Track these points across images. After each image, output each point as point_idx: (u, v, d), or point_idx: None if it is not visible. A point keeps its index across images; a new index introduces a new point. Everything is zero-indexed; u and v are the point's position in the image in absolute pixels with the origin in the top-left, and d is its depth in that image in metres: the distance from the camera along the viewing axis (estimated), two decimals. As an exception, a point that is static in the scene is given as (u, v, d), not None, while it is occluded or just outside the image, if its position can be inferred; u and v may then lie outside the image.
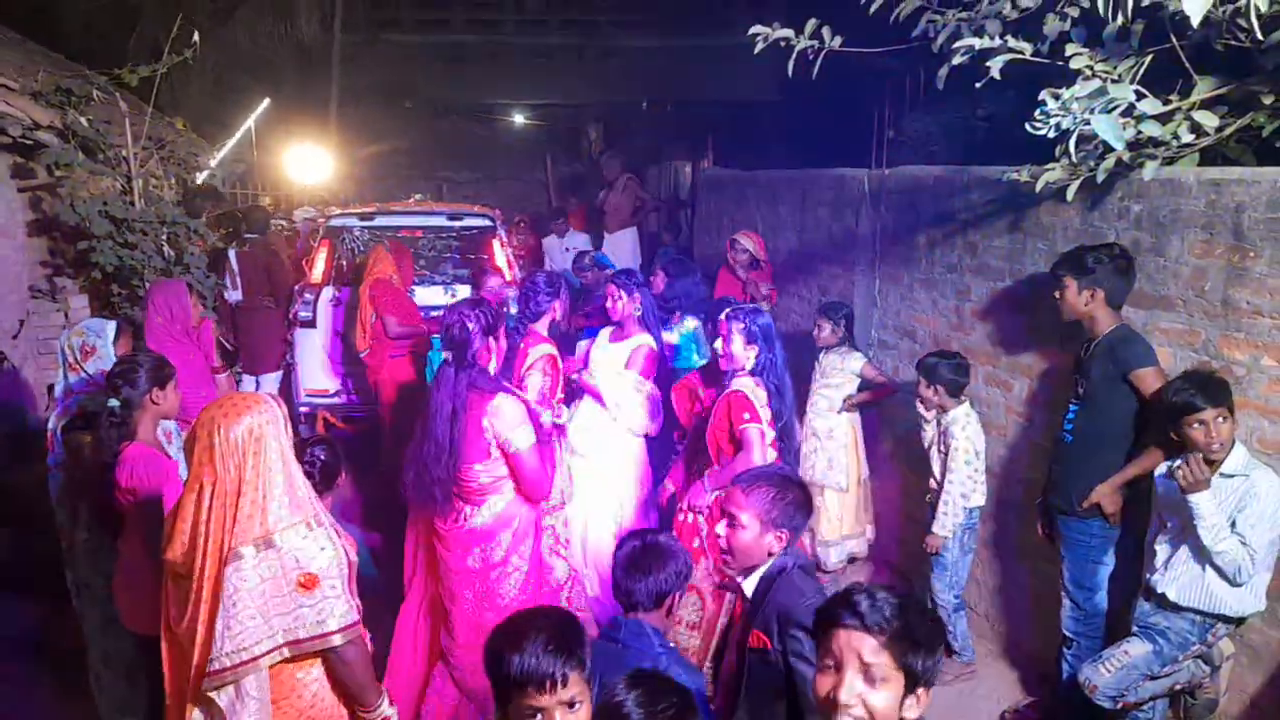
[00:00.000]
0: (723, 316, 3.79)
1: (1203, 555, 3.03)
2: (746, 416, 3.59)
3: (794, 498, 2.45)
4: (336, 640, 2.36)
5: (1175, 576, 3.13)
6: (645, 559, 2.49)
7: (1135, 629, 3.25)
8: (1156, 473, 3.27)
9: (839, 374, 4.94)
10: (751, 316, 3.70)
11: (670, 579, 2.48)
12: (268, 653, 2.29)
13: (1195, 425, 2.98)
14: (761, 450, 3.57)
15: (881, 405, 5.08)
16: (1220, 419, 2.97)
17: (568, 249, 9.04)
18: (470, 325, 3.37)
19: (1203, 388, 3.01)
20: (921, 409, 4.19)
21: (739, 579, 2.50)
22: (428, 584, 3.66)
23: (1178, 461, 3.04)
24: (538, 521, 3.64)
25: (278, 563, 2.30)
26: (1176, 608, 3.13)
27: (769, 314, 3.97)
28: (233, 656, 2.25)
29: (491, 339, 3.46)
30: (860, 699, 1.61)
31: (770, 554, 2.44)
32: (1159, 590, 3.16)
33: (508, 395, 3.37)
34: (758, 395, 3.63)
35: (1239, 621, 3.12)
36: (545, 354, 4.12)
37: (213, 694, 2.26)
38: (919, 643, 1.62)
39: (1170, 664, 3.15)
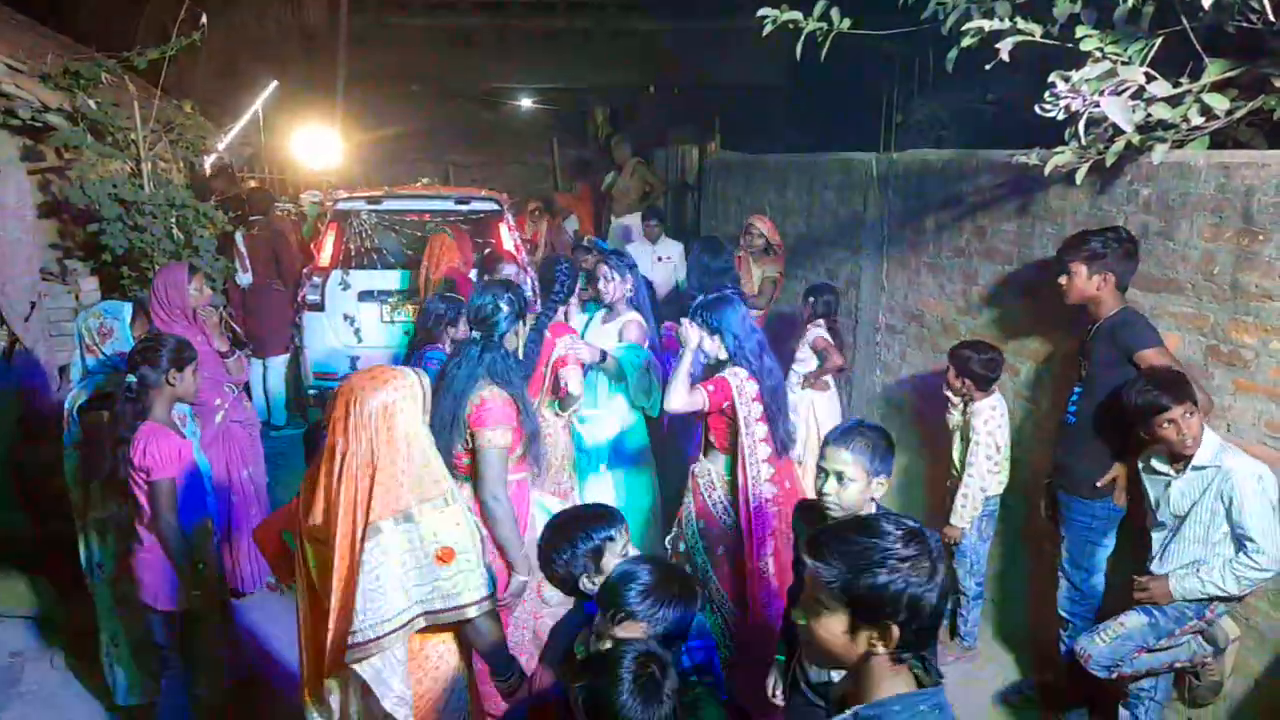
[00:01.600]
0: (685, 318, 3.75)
1: (1198, 544, 3.07)
2: (725, 405, 3.58)
3: (885, 444, 2.55)
4: (472, 612, 2.40)
5: (1173, 565, 3.16)
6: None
7: (1134, 599, 3.26)
8: (1139, 465, 3.29)
9: (802, 350, 5.11)
10: (706, 311, 3.68)
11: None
12: (408, 623, 2.33)
13: (1165, 424, 3.02)
14: (747, 435, 3.55)
15: (835, 376, 5.17)
16: (1188, 414, 2.99)
17: (660, 258, 7.81)
18: (502, 307, 3.38)
19: (1167, 386, 3.03)
20: (949, 394, 4.18)
21: None
22: None
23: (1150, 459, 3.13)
24: (526, 508, 3.59)
25: (416, 535, 2.32)
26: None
27: (740, 299, 3.86)
28: (376, 628, 2.27)
29: (520, 323, 3.49)
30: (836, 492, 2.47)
31: (873, 500, 2.55)
32: (1157, 577, 3.19)
33: (503, 392, 3.28)
34: (736, 378, 3.59)
35: (1239, 599, 3.14)
36: (574, 344, 4.14)
37: (356, 666, 2.29)
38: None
39: (1166, 636, 3.16)
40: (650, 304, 4.83)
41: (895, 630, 1.50)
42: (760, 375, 3.58)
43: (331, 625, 2.34)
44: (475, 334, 3.42)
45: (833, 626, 1.55)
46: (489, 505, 3.21)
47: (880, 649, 1.52)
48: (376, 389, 2.33)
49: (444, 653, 2.51)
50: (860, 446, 2.50)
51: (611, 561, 2.35)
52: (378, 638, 2.27)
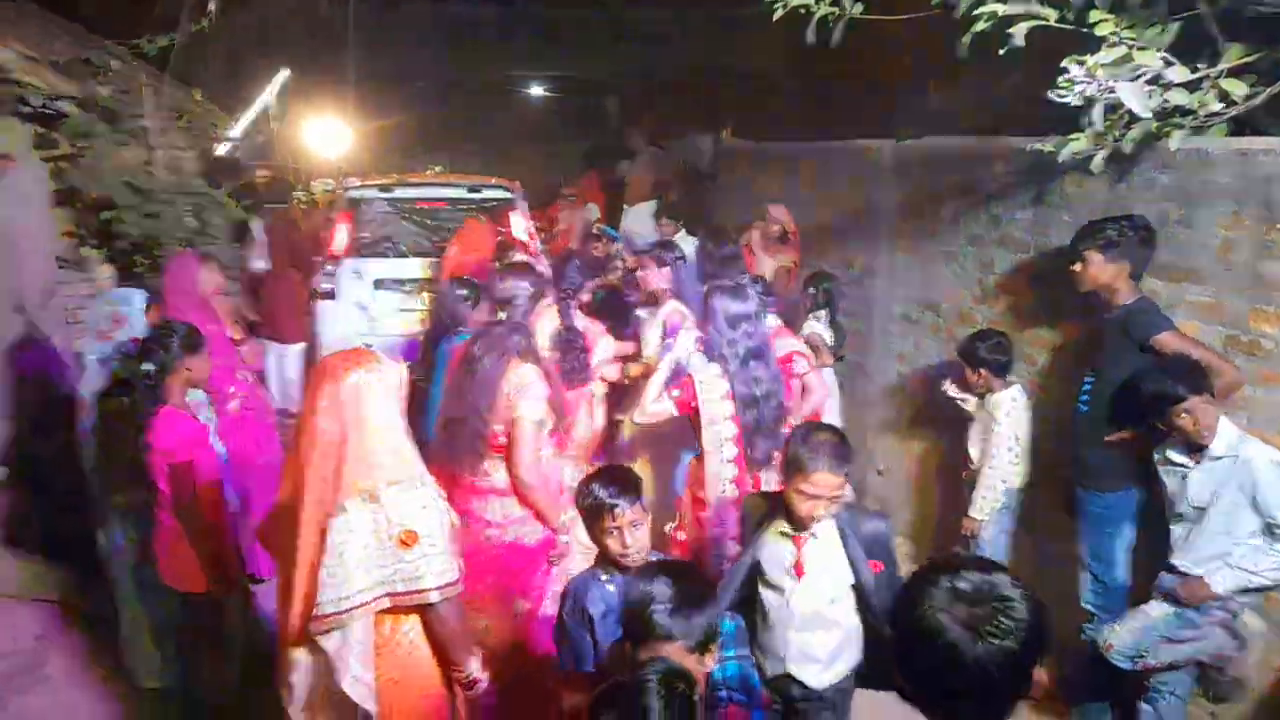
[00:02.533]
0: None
1: (1220, 534, 3.05)
2: (693, 405, 3.56)
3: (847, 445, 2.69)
4: (433, 597, 2.42)
5: (1196, 558, 3.13)
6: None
7: (1155, 590, 3.24)
8: (1155, 457, 3.27)
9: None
10: (670, 312, 3.67)
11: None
12: (368, 602, 2.36)
13: (1183, 415, 3.00)
14: (711, 432, 3.55)
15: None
16: (1205, 404, 2.97)
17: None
18: (526, 287, 3.53)
19: (1182, 375, 3.01)
20: (954, 390, 4.16)
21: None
22: None
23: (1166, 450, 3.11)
24: (558, 476, 3.70)
25: (382, 517, 2.36)
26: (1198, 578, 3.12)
27: (741, 291, 3.72)
28: (337, 604, 2.32)
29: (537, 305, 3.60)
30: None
31: None
32: (1181, 569, 3.16)
33: (535, 368, 3.43)
34: (701, 373, 3.57)
35: (1266, 589, 3.11)
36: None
37: (319, 638, 2.35)
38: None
39: (1190, 627, 3.13)
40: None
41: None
42: (733, 376, 3.51)
43: (297, 600, 2.39)
44: (500, 315, 3.51)
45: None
46: (524, 478, 3.36)
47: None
48: (352, 370, 2.40)
49: (415, 640, 2.53)
50: (845, 465, 2.60)
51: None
52: (338, 613, 2.32)
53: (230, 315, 4.81)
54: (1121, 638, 3.19)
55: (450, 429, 3.42)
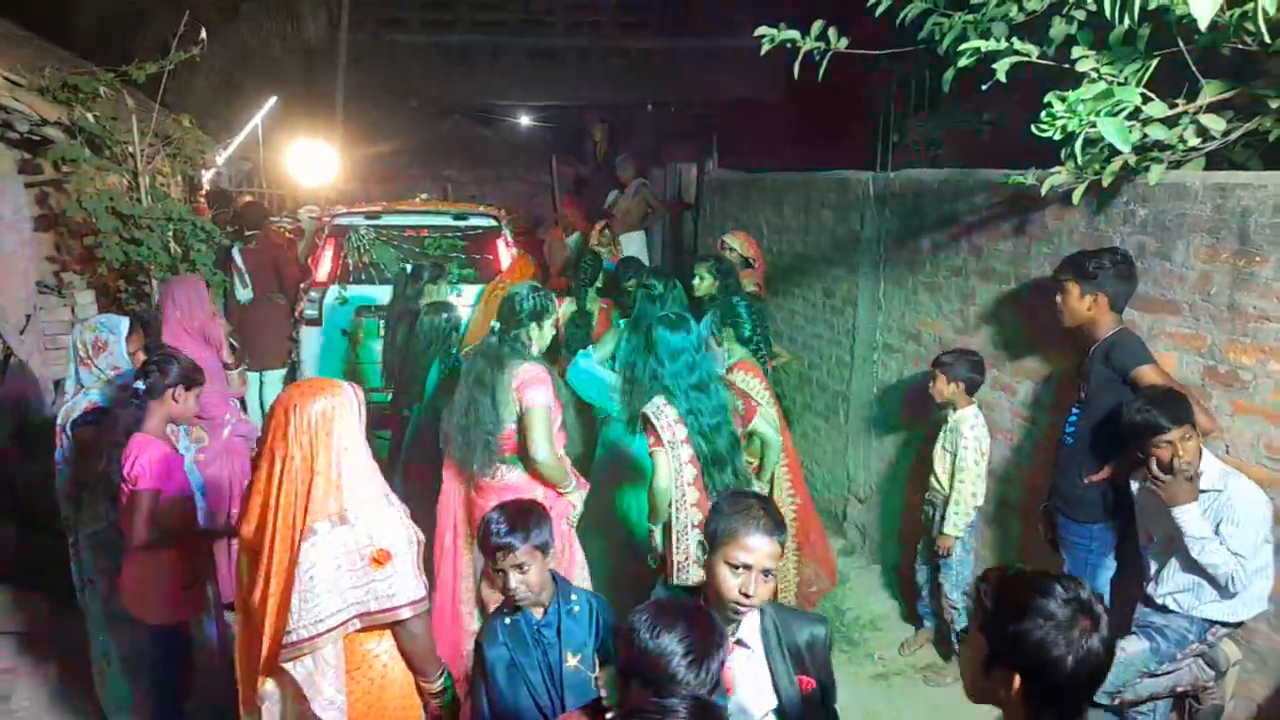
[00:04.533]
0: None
1: (1193, 565, 3.04)
2: (651, 441, 3.49)
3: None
4: (405, 614, 2.47)
5: (1170, 587, 3.14)
6: None
7: (1134, 629, 3.24)
8: (1133, 485, 3.28)
9: None
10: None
11: None
12: (341, 624, 2.40)
13: (1162, 445, 2.99)
14: (665, 472, 3.45)
15: None
16: (1185, 437, 2.97)
17: None
18: (527, 305, 3.78)
19: (1165, 407, 3.00)
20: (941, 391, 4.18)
21: None
22: (461, 554, 3.97)
23: (1153, 475, 3.04)
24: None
25: (352, 538, 2.40)
26: (1175, 612, 3.13)
27: (677, 324, 3.59)
28: (310, 628, 2.35)
29: (535, 325, 3.83)
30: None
31: None
32: (1157, 601, 3.17)
33: (535, 364, 3.76)
34: (652, 408, 3.48)
35: (1238, 625, 3.12)
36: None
37: (288, 665, 2.36)
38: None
39: (1169, 661, 3.13)
40: None
41: (1018, 679, 1.60)
42: (678, 407, 3.45)
43: (268, 626, 2.41)
44: (494, 325, 3.86)
45: (974, 654, 1.68)
46: (539, 459, 3.66)
47: (1003, 693, 1.64)
48: (316, 396, 2.45)
49: (388, 661, 2.56)
50: (780, 533, 2.22)
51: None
52: (311, 637, 2.35)
53: (222, 341, 4.79)
54: None
55: (464, 435, 3.73)
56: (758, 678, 2.25)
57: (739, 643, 2.25)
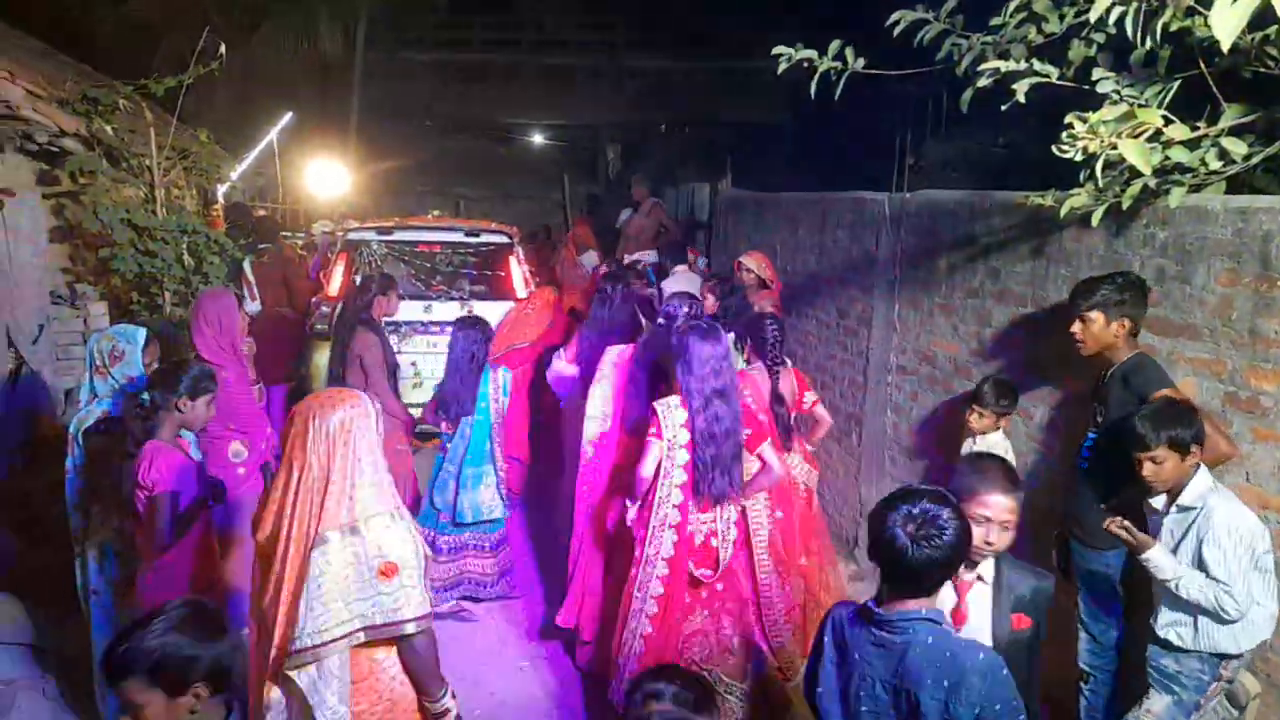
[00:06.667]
0: None
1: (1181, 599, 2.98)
2: (651, 430, 3.69)
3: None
4: (410, 629, 2.47)
5: (1168, 619, 3.06)
6: None
7: (1150, 676, 3.15)
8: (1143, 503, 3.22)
9: None
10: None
11: None
12: (345, 635, 2.40)
13: (1145, 462, 2.96)
14: (651, 460, 3.66)
15: None
16: (1169, 453, 2.92)
17: None
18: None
19: (1154, 421, 2.95)
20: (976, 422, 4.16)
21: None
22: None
23: (1111, 521, 3.02)
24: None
25: (361, 549, 2.41)
26: (1181, 650, 3.05)
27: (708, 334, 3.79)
28: (313, 637, 2.35)
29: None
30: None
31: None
32: (1159, 634, 3.09)
33: None
34: (663, 405, 3.71)
35: (1245, 654, 3.04)
36: None
37: (292, 673, 2.36)
38: None
39: (1194, 710, 3.05)
40: None
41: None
42: (693, 410, 3.64)
43: (278, 633, 2.41)
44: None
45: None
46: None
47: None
48: (335, 407, 2.47)
49: (396, 675, 2.55)
50: (1017, 489, 2.56)
51: None
52: (314, 646, 2.35)
53: (248, 357, 4.75)
54: None
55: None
56: (986, 611, 2.59)
57: (979, 579, 2.59)
